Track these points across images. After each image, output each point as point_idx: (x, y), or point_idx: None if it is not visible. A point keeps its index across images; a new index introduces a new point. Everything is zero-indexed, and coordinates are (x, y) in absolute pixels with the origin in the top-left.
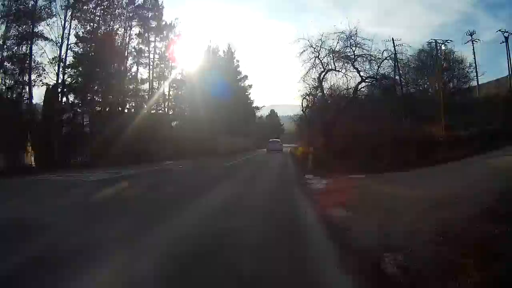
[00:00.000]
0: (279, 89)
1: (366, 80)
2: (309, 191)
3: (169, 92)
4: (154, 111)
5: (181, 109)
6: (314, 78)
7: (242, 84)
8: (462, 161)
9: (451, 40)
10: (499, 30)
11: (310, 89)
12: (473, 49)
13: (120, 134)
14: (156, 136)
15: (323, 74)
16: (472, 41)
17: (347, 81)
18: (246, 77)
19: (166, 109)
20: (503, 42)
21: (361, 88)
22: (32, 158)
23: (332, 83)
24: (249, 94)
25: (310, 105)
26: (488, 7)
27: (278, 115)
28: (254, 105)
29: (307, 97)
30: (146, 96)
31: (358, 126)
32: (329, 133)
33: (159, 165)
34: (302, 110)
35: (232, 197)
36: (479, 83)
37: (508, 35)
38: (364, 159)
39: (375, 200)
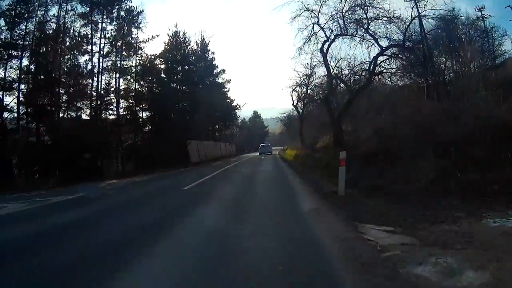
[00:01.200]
0: (263, 92)
1: (389, 51)
2: None
3: (126, 89)
4: (105, 114)
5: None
6: (313, 54)
7: (219, 80)
8: None
9: (489, 15)
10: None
11: (301, 78)
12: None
13: (55, 146)
14: (106, 146)
15: (327, 44)
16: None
17: (362, 53)
18: (223, 71)
19: (119, 111)
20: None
21: (380, 62)
22: None
23: (340, 57)
24: (227, 91)
25: (303, 96)
26: None
27: (262, 117)
28: (234, 104)
29: (298, 88)
30: (94, 94)
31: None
32: (339, 129)
33: (87, 188)
34: (293, 104)
35: None
36: None
37: None
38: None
39: None
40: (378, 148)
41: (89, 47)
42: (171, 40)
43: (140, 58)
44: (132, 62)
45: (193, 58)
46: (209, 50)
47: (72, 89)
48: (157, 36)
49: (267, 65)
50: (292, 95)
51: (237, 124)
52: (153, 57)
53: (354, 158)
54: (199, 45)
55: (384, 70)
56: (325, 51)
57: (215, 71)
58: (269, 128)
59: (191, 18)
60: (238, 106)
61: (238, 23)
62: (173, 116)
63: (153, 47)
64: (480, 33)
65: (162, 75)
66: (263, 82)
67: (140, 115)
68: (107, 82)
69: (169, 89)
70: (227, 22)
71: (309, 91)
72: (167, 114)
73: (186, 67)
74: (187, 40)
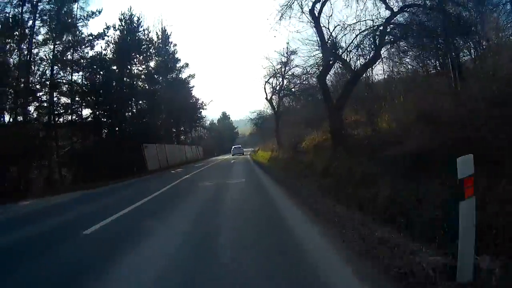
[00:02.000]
0: (232, 93)
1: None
2: None
3: (66, 83)
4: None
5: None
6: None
7: (182, 76)
8: None
9: None
10: None
11: (275, 68)
12: None
13: None
14: (36, 154)
15: (318, 5)
16: None
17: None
18: (186, 65)
19: (55, 109)
20: None
21: (391, 29)
22: None
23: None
24: (191, 88)
25: (278, 88)
26: None
27: (231, 119)
28: (199, 102)
29: (272, 79)
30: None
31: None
32: (340, 121)
33: None
34: (266, 98)
35: None
36: None
37: None
38: None
39: None
40: (441, 147)
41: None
42: (123, 25)
43: (84, 45)
44: (75, 52)
45: (152, 49)
46: (171, 42)
47: None
48: (99, 12)
49: (236, 63)
50: (265, 88)
51: (204, 126)
52: (100, 43)
53: (383, 166)
54: (160, 36)
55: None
56: (316, 13)
57: (177, 65)
58: (239, 129)
59: (151, 9)
60: (204, 104)
61: (205, 16)
62: (127, 116)
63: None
64: None
65: (114, 67)
66: (231, 81)
67: (85, 115)
68: (41, 73)
69: (120, 84)
70: (191, 13)
71: (285, 82)
72: (118, 113)
73: (142, 57)
74: (143, 28)
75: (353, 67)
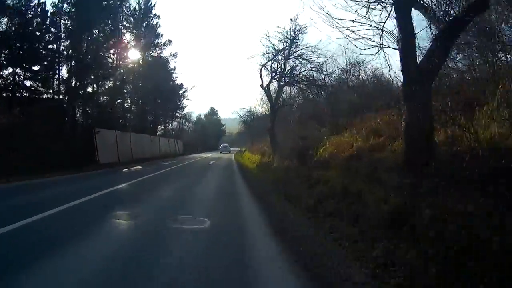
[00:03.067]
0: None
1: None
2: None
3: None
4: None
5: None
6: None
7: (163, 54)
8: None
9: None
10: None
11: (274, 48)
12: None
13: None
14: None
15: None
16: None
17: None
18: (169, 42)
19: None
20: None
21: None
22: None
23: None
24: (172, 70)
25: (279, 74)
26: None
27: (219, 116)
28: (181, 89)
29: (271, 62)
30: None
31: None
32: (428, 111)
33: None
34: (262, 85)
35: None
36: None
37: None
38: None
39: None
40: None
41: None
42: None
43: None
44: None
45: (129, 16)
46: (154, 14)
47: None
48: None
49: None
50: (261, 73)
51: (187, 117)
52: None
53: None
54: (142, 4)
55: None
56: None
57: (158, 41)
58: (226, 127)
59: None
60: (185, 90)
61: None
62: (79, 90)
63: None
64: None
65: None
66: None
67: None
68: None
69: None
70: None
71: (288, 67)
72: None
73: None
74: None
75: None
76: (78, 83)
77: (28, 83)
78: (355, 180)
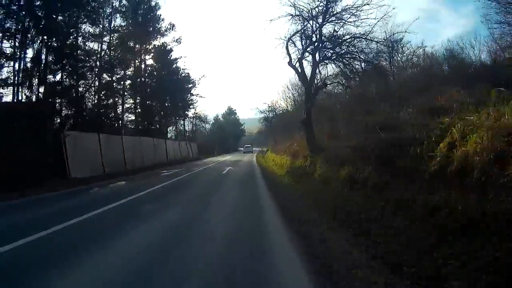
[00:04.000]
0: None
1: None
2: None
3: None
4: None
5: None
6: None
7: (164, 39)
8: None
9: None
10: None
11: (306, 17)
12: None
13: None
14: None
15: None
16: None
17: None
18: (173, 26)
19: None
20: None
21: None
22: None
23: None
24: (176, 60)
25: (314, 46)
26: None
27: (238, 116)
28: (189, 82)
29: (300, 37)
30: None
31: None
32: None
33: None
34: (289, 62)
35: None
36: None
37: None
38: None
39: None
40: None
41: None
42: None
43: None
44: None
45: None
46: None
47: None
48: None
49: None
50: (287, 48)
51: (202, 118)
52: None
53: None
54: None
55: None
56: None
57: (158, 25)
58: (245, 127)
59: None
60: (193, 81)
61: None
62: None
63: None
64: None
65: None
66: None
67: None
68: None
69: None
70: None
71: (323, 38)
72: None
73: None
74: None
75: None
76: (52, 77)
77: None
78: None
